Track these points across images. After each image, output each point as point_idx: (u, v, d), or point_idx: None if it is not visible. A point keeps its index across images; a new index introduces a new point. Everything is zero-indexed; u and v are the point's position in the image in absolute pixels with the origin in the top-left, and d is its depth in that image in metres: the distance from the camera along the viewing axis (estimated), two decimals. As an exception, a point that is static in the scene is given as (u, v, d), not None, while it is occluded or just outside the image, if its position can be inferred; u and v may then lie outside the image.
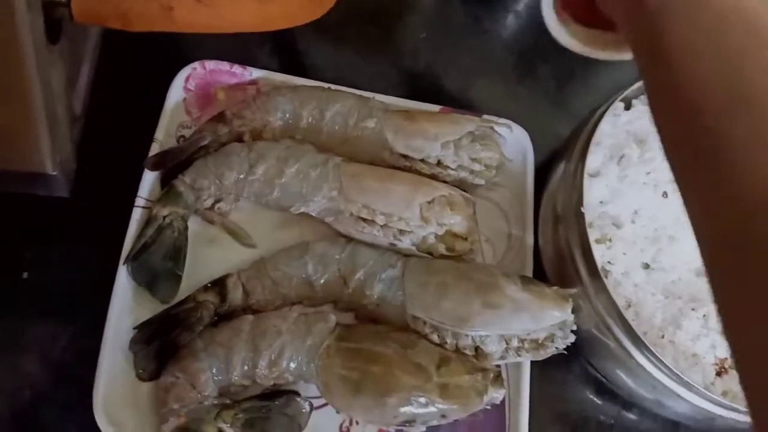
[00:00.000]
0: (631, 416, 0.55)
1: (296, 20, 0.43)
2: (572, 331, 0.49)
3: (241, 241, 0.52)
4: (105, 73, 0.52)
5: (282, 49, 0.61)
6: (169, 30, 0.38)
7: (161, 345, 0.47)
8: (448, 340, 0.47)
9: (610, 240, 0.55)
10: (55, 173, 0.41)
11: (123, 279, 0.48)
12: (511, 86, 0.65)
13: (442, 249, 0.50)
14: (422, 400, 0.44)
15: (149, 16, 0.37)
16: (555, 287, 0.49)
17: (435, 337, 0.47)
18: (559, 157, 0.57)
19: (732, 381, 0.51)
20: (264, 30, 0.42)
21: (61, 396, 0.47)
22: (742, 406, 0.48)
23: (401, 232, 0.49)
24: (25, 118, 0.37)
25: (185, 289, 0.49)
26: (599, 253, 0.54)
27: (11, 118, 0.38)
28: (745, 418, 0.48)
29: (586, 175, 0.55)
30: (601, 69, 0.68)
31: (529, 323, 0.47)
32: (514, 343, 0.47)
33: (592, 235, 0.55)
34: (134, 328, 0.47)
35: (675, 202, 0.56)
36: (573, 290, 0.49)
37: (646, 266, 0.55)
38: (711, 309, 0.53)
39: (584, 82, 0.67)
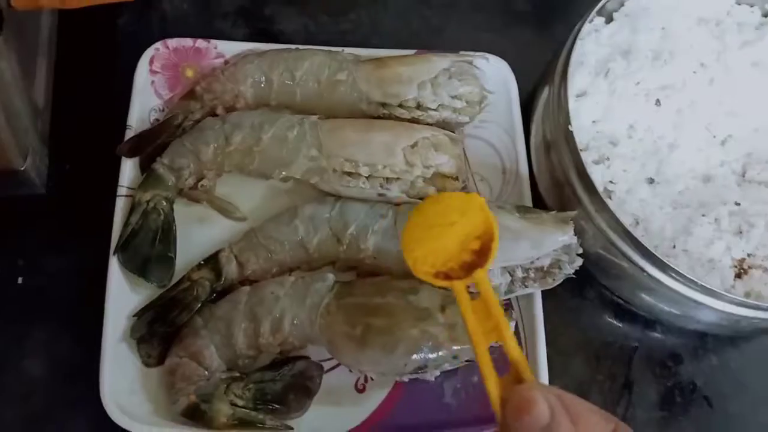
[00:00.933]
0: (655, 334, 0.53)
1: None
2: (579, 255, 0.47)
3: (230, 215, 0.51)
4: (66, 64, 0.51)
5: (247, 19, 0.60)
6: (104, 2, 0.37)
7: (163, 329, 0.46)
8: (451, 280, 0.45)
9: (608, 159, 0.53)
10: (23, 168, 0.40)
11: (116, 269, 0.47)
12: (486, 19, 0.63)
13: (432, 192, 0.49)
14: (431, 344, 0.43)
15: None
16: (554, 212, 0.48)
17: (437, 279, 0.45)
18: (543, 82, 0.55)
19: (753, 280, 0.49)
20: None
21: (70, 394, 0.46)
22: (766, 303, 0.46)
23: (388, 180, 0.48)
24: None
25: (181, 270, 0.49)
26: (599, 173, 0.52)
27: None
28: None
29: (572, 96, 0.53)
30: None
31: (530, 250, 0.45)
32: (519, 273, 0.46)
33: (589, 156, 0.53)
34: (133, 316, 0.46)
35: (669, 108, 0.54)
36: (573, 212, 0.48)
37: (651, 181, 0.53)
38: (722, 211, 0.51)
39: (563, 4, 0.65)
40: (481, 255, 0.37)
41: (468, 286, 0.36)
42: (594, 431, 0.29)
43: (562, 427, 0.29)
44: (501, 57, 0.57)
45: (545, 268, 0.46)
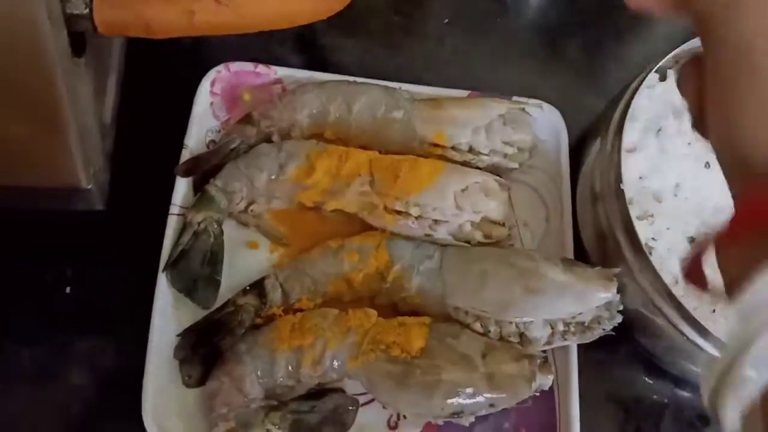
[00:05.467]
0: (686, 394, 0.53)
1: (317, 15, 0.42)
2: (619, 311, 0.48)
3: (277, 241, 0.52)
4: (132, 81, 0.52)
5: (305, 46, 0.61)
6: (192, 35, 0.38)
7: (205, 351, 0.47)
8: (492, 329, 0.46)
9: (651, 216, 0.54)
10: (89, 187, 0.41)
11: (163, 287, 0.48)
12: (539, 64, 0.64)
13: (479, 236, 0.49)
14: (469, 390, 0.44)
15: (171, 22, 0.37)
16: (598, 267, 0.48)
17: (478, 327, 0.46)
18: (594, 134, 0.56)
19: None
20: (285, 27, 0.41)
21: (111, 407, 0.47)
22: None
23: (436, 222, 0.49)
24: (55, 135, 0.37)
25: (224, 292, 0.50)
26: (641, 229, 0.53)
27: (42, 135, 0.38)
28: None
29: (623, 151, 0.54)
30: (630, 41, 0.66)
31: (573, 306, 0.46)
32: (560, 327, 0.46)
33: (633, 211, 0.53)
34: (177, 336, 0.47)
35: (718, 172, 0.54)
36: (617, 269, 0.48)
37: (692, 240, 0.54)
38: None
39: (614, 55, 0.66)
40: None
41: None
42: None
43: None
44: (549, 101, 0.57)
45: (586, 324, 0.47)
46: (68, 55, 0.35)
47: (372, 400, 0.48)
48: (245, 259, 0.51)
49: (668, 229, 0.53)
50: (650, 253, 0.53)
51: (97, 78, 0.42)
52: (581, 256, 0.53)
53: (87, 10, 0.35)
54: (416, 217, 0.49)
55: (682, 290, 0.52)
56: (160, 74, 0.54)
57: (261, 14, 0.39)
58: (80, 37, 0.38)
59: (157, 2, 0.37)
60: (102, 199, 0.45)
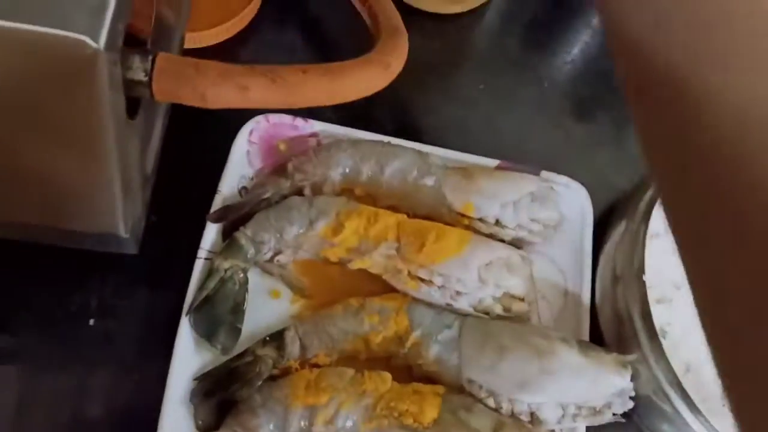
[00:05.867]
0: (689, 482, 0.53)
1: (366, 91, 0.43)
2: (631, 398, 0.49)
3: (300, 293, 0.53)
4: (174, 130, 0.53)
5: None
6: (244, 107, 0.39)
7: (221, 398, 0.47)
8: (504, 405, 0.47)
9: (670, 301, 0.54)
10: (127, 236, 0.43)
11: (185, 330, 0.49)
12: (569, 135, 0.65)
13: (498, 310, 0.50)
14: (477, 466, 0.44)
15: (226, 96, 0.38)
16: (614, 353, 0.49)
17: (491, 402, 0.47)
18: (619, 215, 0.57)
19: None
20: (334, 104, 0.42)
21: (123, 444, 0.48)
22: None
23: (458, 293, 0.50)
24: (103, 189, 0.39)
25: (243, 338, 0.50)
26: (657, 313, 0.53)
27: (90, 188, 0.39)
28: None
29: (647, 237, 0.54)
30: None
31: (587, 391, 0.47)
32: (571, 410, 0.47)
33: (651, 295, 0.54)
34: (194, 380, 0.48)
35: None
36: (633, 356, 0.49)
37: (707, 327, 0.54)
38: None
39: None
40: None
41: None
42: None
43: None
44: (577, 174, 0.58)
45: (597, 408, 0.47)
46: (124, 118, 0.37)
47: (380, 463, 0.48)
48: (266, 308, 0.52)
49: (684, 314, 0.54)
50: (664, 337, 0.53)
51: (145, 134, 0.44)
52: (596, 333, 0.54)
53: (147, 78, 0.37)
54: (439, 287, 0.50)
55: (693, 378, 0.52)
56: (203, 123, 0.55)
57: (311, 93, 0.41)
58: (136, 101, 0.39)
59: (213, 76, 0.38)
60: (136, 245, 0.47)
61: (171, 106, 0.52)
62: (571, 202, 0.56)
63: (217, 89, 0.37)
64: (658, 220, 0.55)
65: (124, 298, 0.52)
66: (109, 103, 0.34)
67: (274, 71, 0.40)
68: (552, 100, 0.66)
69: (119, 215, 0.41)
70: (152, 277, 0.53)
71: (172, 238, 0.53)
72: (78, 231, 0.44)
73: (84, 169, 0.38)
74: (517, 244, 0.54)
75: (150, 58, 0.37)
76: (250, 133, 0.55)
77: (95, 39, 0.31)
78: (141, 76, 0.36)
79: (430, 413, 0.45)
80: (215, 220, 0.52)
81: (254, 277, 0.53)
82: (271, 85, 0.38)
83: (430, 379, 0.49)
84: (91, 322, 0.51)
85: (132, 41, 0.36)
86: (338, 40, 0.66)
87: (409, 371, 0.50)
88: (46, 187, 0.41)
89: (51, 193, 0.42)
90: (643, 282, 0.50)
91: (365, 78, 0.42)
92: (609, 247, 0.57)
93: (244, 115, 0.56)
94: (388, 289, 0.52)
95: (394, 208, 0.54)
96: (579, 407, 0.47)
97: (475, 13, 0.67)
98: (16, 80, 0.33)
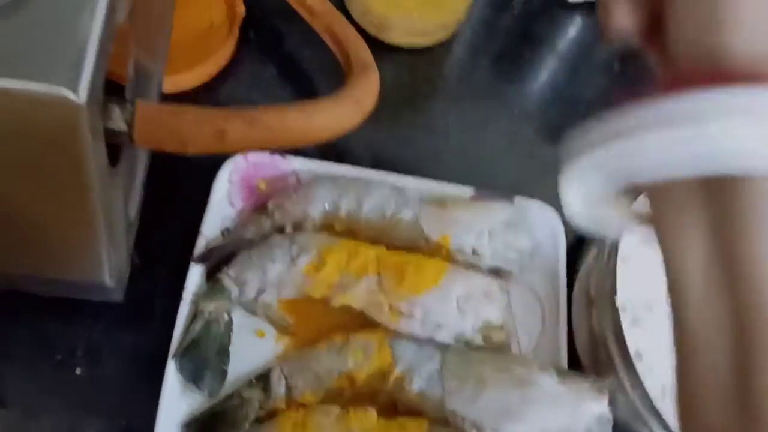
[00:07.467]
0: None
1: (339, 130, 0.45)
2: (610, 422, 0.50)
3: (284, 331, 0.54)
4: (154, 174, 0.54)
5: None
6: (223, 151, 0.40)
7: (208, 441, 0.48)
8: (487, 435, 0.48)
9: (643, 323, 0.56)
10: (112, 285, 0.43)
11: (172, 374, 0.50)
12: (540, 161, 0.66)
13: (479, 340, 0.51)
14: (463, 497, 0.45)
15: (204, 140, 0.39)
16: (591, 379, 0.50)
17: (474, 432, 0.48)
18: (590, 238, 0.58)
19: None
20: (310, 143, 0.44)
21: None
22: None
23: (439, 326, 0.51)
24: (87, 236, 0.39)
25: (229, 378, 0.51)
26: (634, 335, 0.55)
27: (75, 237, 0.40)
28: None
29: (618, 261, 0.56)
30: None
31: (567, 418, 0.48)
32: (552, 437, 0.48)
33: (626, 318, 0.56)
34: (182, 426, 0.49)
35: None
36: (608, 382, 0.50)
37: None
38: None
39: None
40: None
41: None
42: None
43: None
44: (549, 199, 0.60)
45: (577, 434, 0.49)
46: (106, 165, 0.37)
47: (368, 497, 0.49)
48: (251, 347, 0.53)
49: (659, 336, 0.56)
50: (640, 360, 0.55)
51: (127, 181, 0.44)
52: (573, 358, 0.55)
53: (127, 127, 0.37)
54: (420, 319, 0.51)
55: (670, 402, 0.54)
56: (183, 164, 0.56)
57: (287, 132, 0.42)
58: (117, 149, 0.40)
59: (192, 122, 0.39)
60: (121, 293, 0.47)
61: (151, 150, 0.52)
62: (544, 225, 0.58)
63: (195, 133, 0.38)
64: (628, 242, 0.57)
65: (109, 343, 0.52)
66: (91, 153, 0.34)
67: (251, 114, 0.41)
68: (523, 128, 0.68)
69: (104, 263, 0.41)
70: (137, 321, 0.53)
71: (156, 280, 0.54)
72: (63, 280, 0.44)
73: (68, 218, 0.38)
74: (494, 272, 0.55)
75: (129, 107, 0.38)
76: (230, 173, 0.56)
77: (76, 92, 0.31)
78: (122, 126, 0.37)
79: (416, 448, 0.46)
80: (199, 261, 0.53)
81: (238, 317, 0.53)
82: (249, 129, 0.39)
83: (414, 411, 0.50)
84: (78, 371, 0.52)
85: (110, 86, 0.36)
86: (317, 77, 0.67)
87: (394, 405, 0.51)
88: (30, 237, 0.41)
89: (35, 243, 0.42)
90: (616, 308, 0.51)
91: (338, 115, 0.43)
92: (582, 272, 0.58)
93: (224, 155, 0.56)
94: (371, 325, 0.53)
95: (373, 241, 0.55)
96: (559, 434, 0.48)
97: (443, 46, 0.69)
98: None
